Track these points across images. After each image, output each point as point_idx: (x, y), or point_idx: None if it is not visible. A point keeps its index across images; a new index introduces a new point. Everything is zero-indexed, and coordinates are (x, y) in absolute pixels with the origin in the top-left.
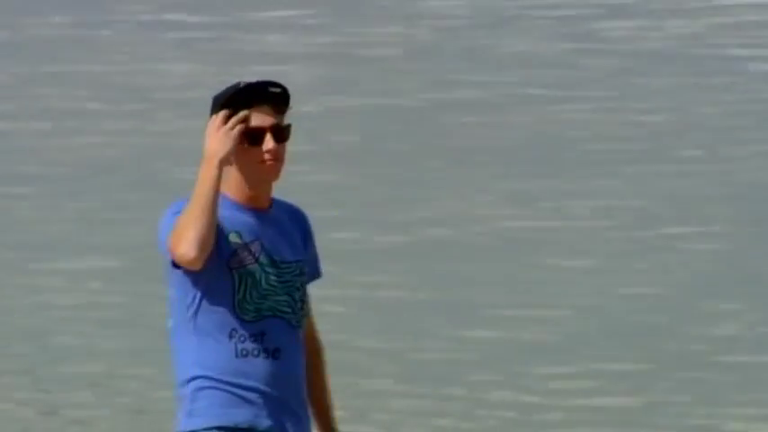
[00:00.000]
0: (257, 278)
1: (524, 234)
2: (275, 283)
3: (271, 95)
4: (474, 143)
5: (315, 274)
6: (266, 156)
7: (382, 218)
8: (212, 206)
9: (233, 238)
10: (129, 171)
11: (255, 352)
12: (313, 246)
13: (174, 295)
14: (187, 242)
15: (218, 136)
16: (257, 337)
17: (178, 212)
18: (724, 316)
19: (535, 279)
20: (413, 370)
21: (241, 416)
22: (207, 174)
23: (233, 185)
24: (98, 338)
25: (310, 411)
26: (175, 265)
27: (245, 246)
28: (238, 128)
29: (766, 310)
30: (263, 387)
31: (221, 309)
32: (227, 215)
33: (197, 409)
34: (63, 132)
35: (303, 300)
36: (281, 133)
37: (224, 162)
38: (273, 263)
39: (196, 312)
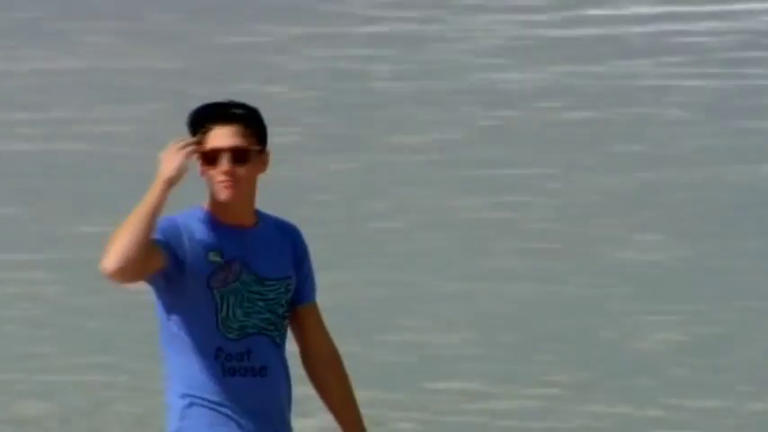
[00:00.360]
0: (240, 296)
1: None
2: (259, 301)
3: (231, 116)
4: None
5: (314, 289)
6: (220, 177)
7: None
8: (145, 224)
9: (212, 257)
10: None
11: (242, 371)
12: (308, 262)
13: (158, 313)
14: (110, 255)
15: (169, 156)
16: (243, 355)
17: (163, 224)
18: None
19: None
20: None
21: None
22: (151, 192)
23: (213, 203)
24: None
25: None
26: (152, 282)
27: (226, 264)
28: (189, 149)
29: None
30: (248, 406)
31: (205, 328)
32: (208, 233)
33: (185, 427)
34: None
35: (287, 317)
36: (241, 155)
37: (170, 182)
38: (258, 280)
39: (179, 331)
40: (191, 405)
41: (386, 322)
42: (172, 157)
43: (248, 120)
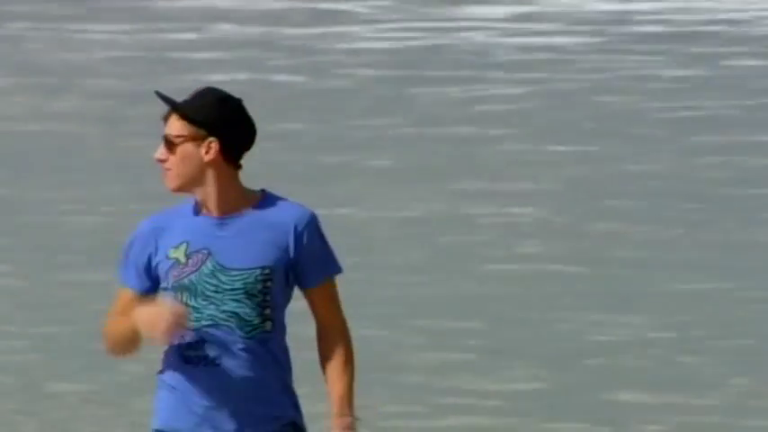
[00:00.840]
0: (194, 289)
1: None
2: (220, 291)
3: (171, 105)
4: None
5: (319, 274)
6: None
7: None
8: (118, 348)
9: (171, 253)
10: None
11: (195, 360)
12: (306, 250)
13: None
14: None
15: (158, 320)
16: (197, 344)
17: (132, 241)
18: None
19: None
20: None
21: (183, 423)
22: (126, 334)
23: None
24: None
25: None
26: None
27: (187, 257)
28: (172, 328)
29: None
30: (204, 395)
31: None
32: (179, 228)
33: (155, 408)
34: None
35: (265, 306)
36: (168, 143)
37: (143, 338)
38: (221, 270)
39: None
40: (160, 387)
41: None
42: (158, 323)
43: (181, 109)
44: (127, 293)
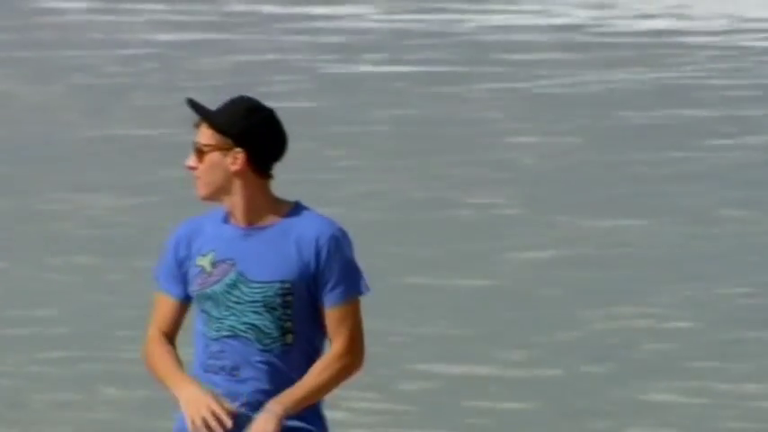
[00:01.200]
0: (217, 299)
1: None
2: (241, 302)
3: (201, 114)
4: None
5: (336, 296)
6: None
7: None
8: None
9: (198, 261)
10: None
11: (215, 368)
12: (327, 269)
13: None
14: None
15: (197, 408)
16: (218, 354)
17: (168, 246)
18: None
19: None
20: None
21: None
22: (167, 382)
23: None
24: None
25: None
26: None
27: (213, 266)
28: (209, 420)
29: None
30: (223, 403)
31: (198, 326)
32: (209, 236)
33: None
34: None
35: (286, 319)
36: (197, 152)
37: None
38: (244, 281)
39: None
40: None
41: None
42: (197, 410)
43: (211, 119)
44: (166, 299)
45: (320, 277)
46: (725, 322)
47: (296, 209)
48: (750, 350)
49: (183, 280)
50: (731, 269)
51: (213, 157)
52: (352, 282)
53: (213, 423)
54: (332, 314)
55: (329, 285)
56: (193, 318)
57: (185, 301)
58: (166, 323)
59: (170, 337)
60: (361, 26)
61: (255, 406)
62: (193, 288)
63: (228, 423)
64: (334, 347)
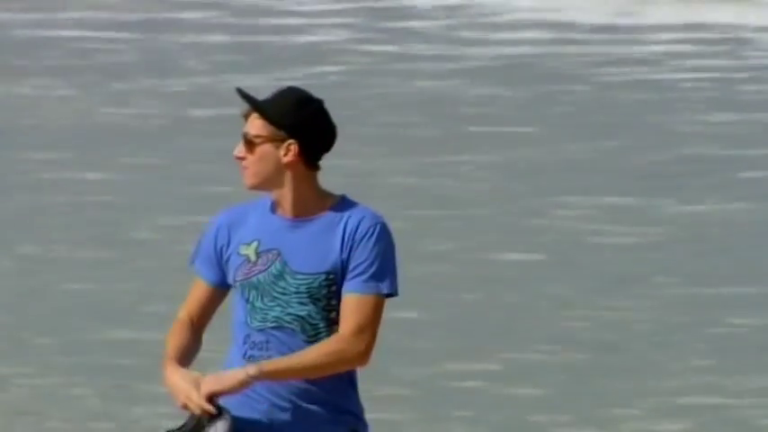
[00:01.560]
0: (262, 289)
1: None
2: (287, 293)
3: (252, 103)
4: None
5: (357, 285)
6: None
7: None
8: None
9: (242, 250)
10: None
11: (260, 360)
12: (357, 254)
13: None
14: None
15: (175, 388)
16: (262, 345)
17: (207, 232)
18: None
19: None
20: None
21: (246, 419)
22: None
23: None
24: None
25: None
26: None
27: (257, 255)
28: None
29: None
30: (267, 394)
31: (240, 316)
32: (254, 225)
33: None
34: None
35: (330, 309)
36: (248, 143)
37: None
38: (290, 272)
39: (232, 317)
40: None
41: None
42: (177, 398)
43: (262, 109)
44: (200, 284)
45: (349, 261)
46: None
47: (342, 202)
48: None
49: (220, 267)
50: None
51: (264, 148)
52: (378, 276)
53: (193, 410)
54: (347, 300)
55: (354, 271)
56: (231, 309)
57: (219, 288)
58: (195, 306)
59: (197, 321)
60: None
61: (300, 396)
62: (238, 277)
63: (197, 412)
64: (338, 331)
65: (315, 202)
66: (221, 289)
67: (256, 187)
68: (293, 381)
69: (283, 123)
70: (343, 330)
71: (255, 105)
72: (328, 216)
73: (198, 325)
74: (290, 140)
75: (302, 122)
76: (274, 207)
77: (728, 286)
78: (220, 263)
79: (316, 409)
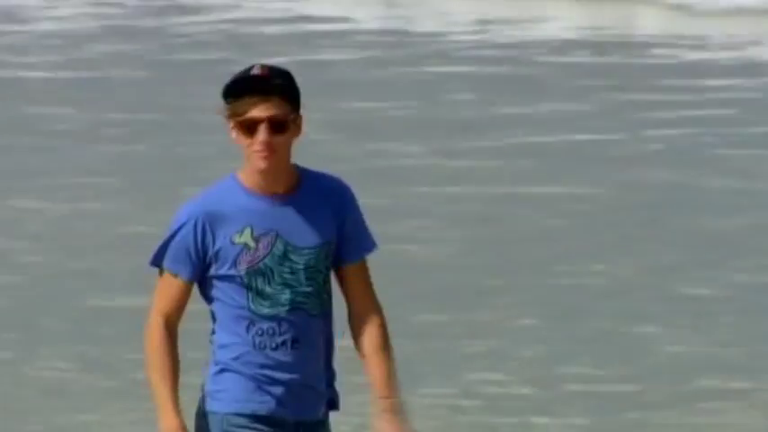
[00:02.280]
0: (270, 273)
1: None
2: (295, 271)
3: (270, 88)
4: None
5: (360, 249)
6: (257, 147)
7: None
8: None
9: (237, 239)
10: None
11: (273, 345)
12: (351, 221)
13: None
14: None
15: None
16: (274, 329)
17: (180, 228)
18: None
19: None
20: None
21: (259, 405)
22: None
23: (248, 173)
24: None
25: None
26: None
27: (255, 240)
28: None
29: None
30: (282, 377)
31: (237, 305)
32: (239, 207)
33: (219, 391)
34: None
35: (326, 280)
36: (278, 125)
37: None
38: (294, 249)
39: (219, 310)
40: (223, 370)
41: None
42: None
43: (284, 89)
44: (175, 282)
45: (346, 233)
46: None
47: (304, 171)
48: None
49: (200, 262)
50: None
51: (291, 128)
52: (370, 235)
53: None
54: (355, 269)
55: (354, 240)
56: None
57: (192, 284)
58: (173, 306)
59: (175, 321)
60: None
61: (312, 376)
62: (240, 266)
63: None
64: (369, 308)
65: (294, 174)
66: (192, 284)
67: (280, 169)
68: (310, 364)
69: (298, 100)
70: (372, 303)
71: (290, 82)
72: (305, 187)
73: (175, 327)
74: (298, 115)
75: (299, 95)
76: (247, 188)
77: None
78: (203, 258)
79: (322, 388)
